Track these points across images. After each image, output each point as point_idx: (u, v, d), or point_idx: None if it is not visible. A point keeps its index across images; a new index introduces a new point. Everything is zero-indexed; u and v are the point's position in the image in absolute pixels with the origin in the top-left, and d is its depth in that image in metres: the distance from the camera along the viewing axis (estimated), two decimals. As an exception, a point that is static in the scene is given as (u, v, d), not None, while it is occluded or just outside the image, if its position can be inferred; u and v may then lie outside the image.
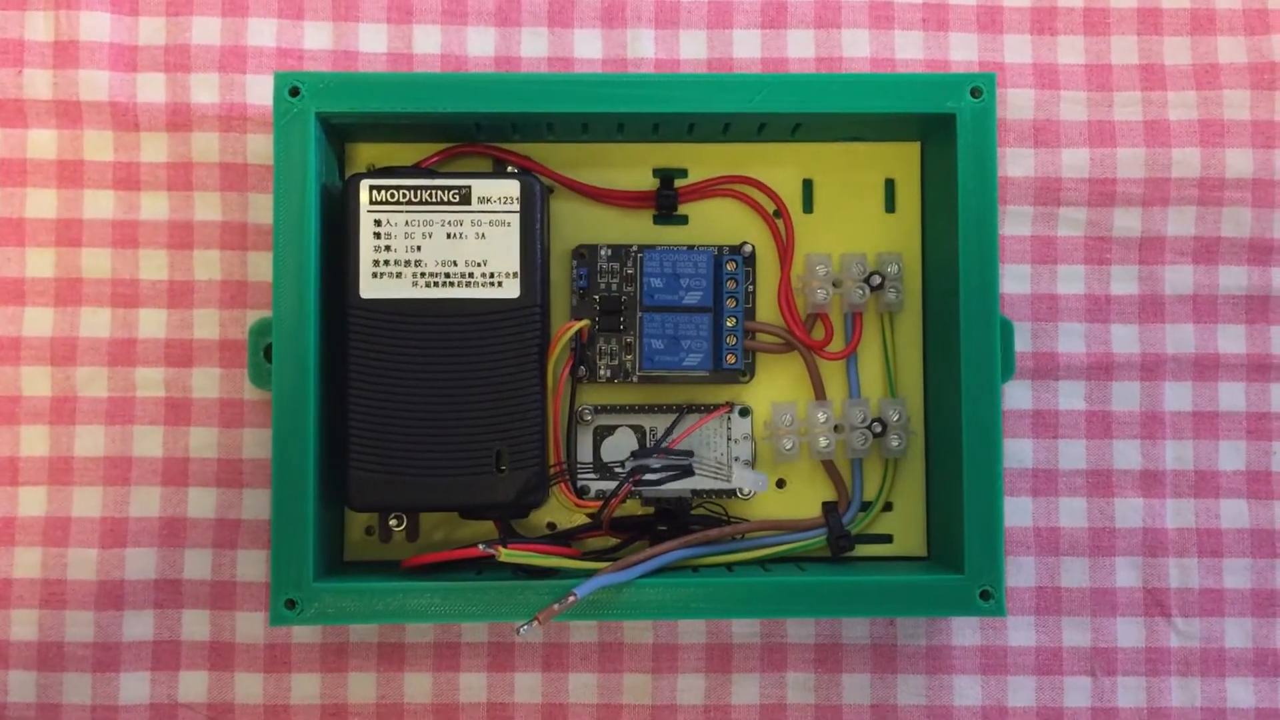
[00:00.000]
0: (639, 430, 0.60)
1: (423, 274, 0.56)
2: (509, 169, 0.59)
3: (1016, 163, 0.63)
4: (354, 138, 0.61)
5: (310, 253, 0.54)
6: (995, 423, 0.55)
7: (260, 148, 0.62)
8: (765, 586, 0.55)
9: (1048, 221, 0.63)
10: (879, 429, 0.59)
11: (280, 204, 0.54)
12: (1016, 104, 0.64)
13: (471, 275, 0.56)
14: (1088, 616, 0.62)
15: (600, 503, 0.57)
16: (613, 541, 0.59)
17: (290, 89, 0.55)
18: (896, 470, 0.61)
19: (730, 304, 0.59)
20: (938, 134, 0.58)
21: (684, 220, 0.61)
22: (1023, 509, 0.63)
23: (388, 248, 0.56)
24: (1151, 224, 0.63)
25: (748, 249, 0.60)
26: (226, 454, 0.61)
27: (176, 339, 0.62)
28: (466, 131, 0.59)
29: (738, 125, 0.58)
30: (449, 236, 0.56)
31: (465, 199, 0.56)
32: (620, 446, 0.59)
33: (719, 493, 0.59)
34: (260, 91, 0.62)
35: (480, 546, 0.53)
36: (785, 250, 0.60)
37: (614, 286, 0.59)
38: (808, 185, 0.62)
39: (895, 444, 0.59)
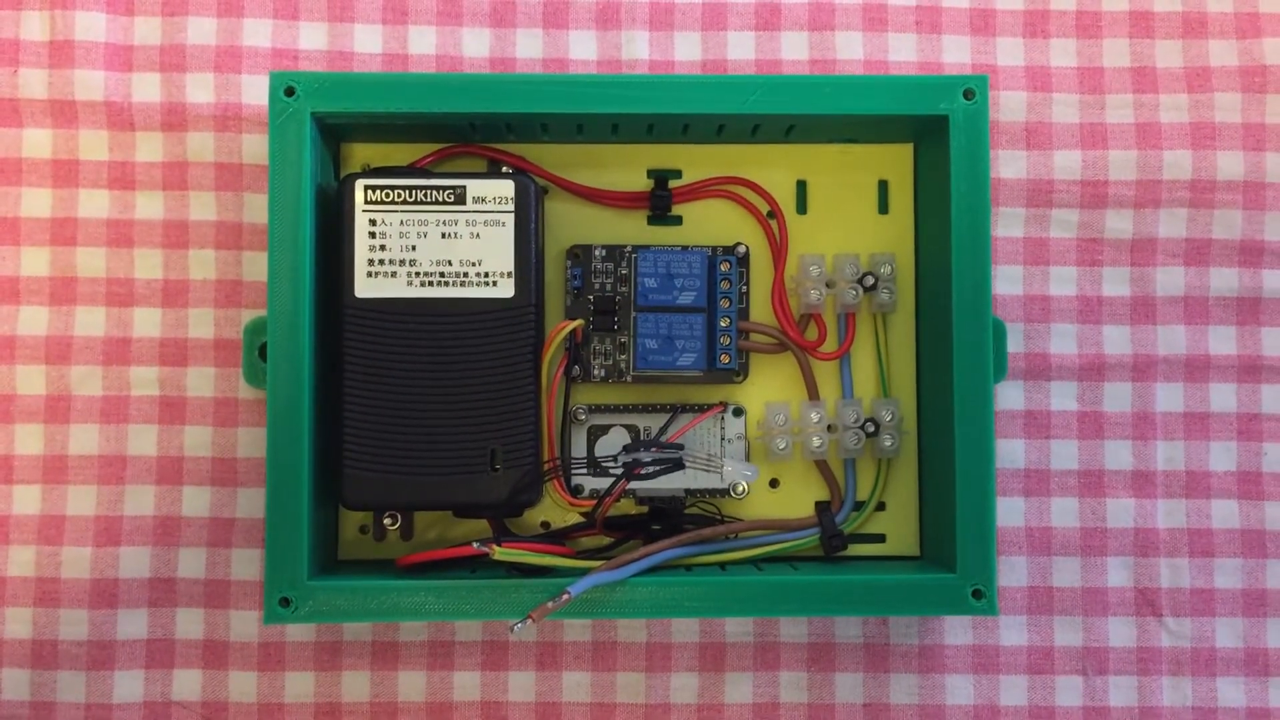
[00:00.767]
0: (633, 430, 0.60)
1: (417, 273, 0.56)
2: (504, 169, 0.59)
3: (1009, 164, 0.64)
4: (349, 138, 0.61)
5: (305, 252, 0.54)
6: (987, 423, 0.55)
7: (255, 148, 0.62)
8: (758, 585, 0.55)
9: (1040, 223, 0.64)
10: (872, 429, 0.59)
11: (275, 203, 0.54)
12: (1009, 106, 0.64)
13: (466, 275, 0.56)
14: (1079, 616, 0.63)
15: (594, 502, 0.57)
16: (606, 541, 0.59)
17: (285, 89, 0.55)
18: (889, 470, 0.61)
19: (724, 304, 0.59)
20: (931, 136, 0.58)
21: (678, 221, 0.62)
22: (1015, 509, 0.63)
23: (383, 247, 0.56)
24: (1143, 226, 0.64)
25: (741, 249, 0.60)
26: (221, 453, 0.62)
27: (171, 338, 0.62)
28: (461, 132, 0.59)
29: (732, 126, 0.59)
30: (444, 236, 0.56)
31: (460, 199, 0.56)
32: (614, 446, 0.59)
33: (712, 492, 0.59)
34: (255, 91, 0.62)
35: (474, 545, 0.53)
36: (779, 251, 0.61)
37: (608, 287, 0.59)
38: (801, 186, 0.62)
39: (888, 444, 0.59)
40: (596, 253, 0.60)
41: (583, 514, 0.59)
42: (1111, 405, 0.63)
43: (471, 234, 0.56)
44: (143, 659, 0.61)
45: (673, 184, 0.61)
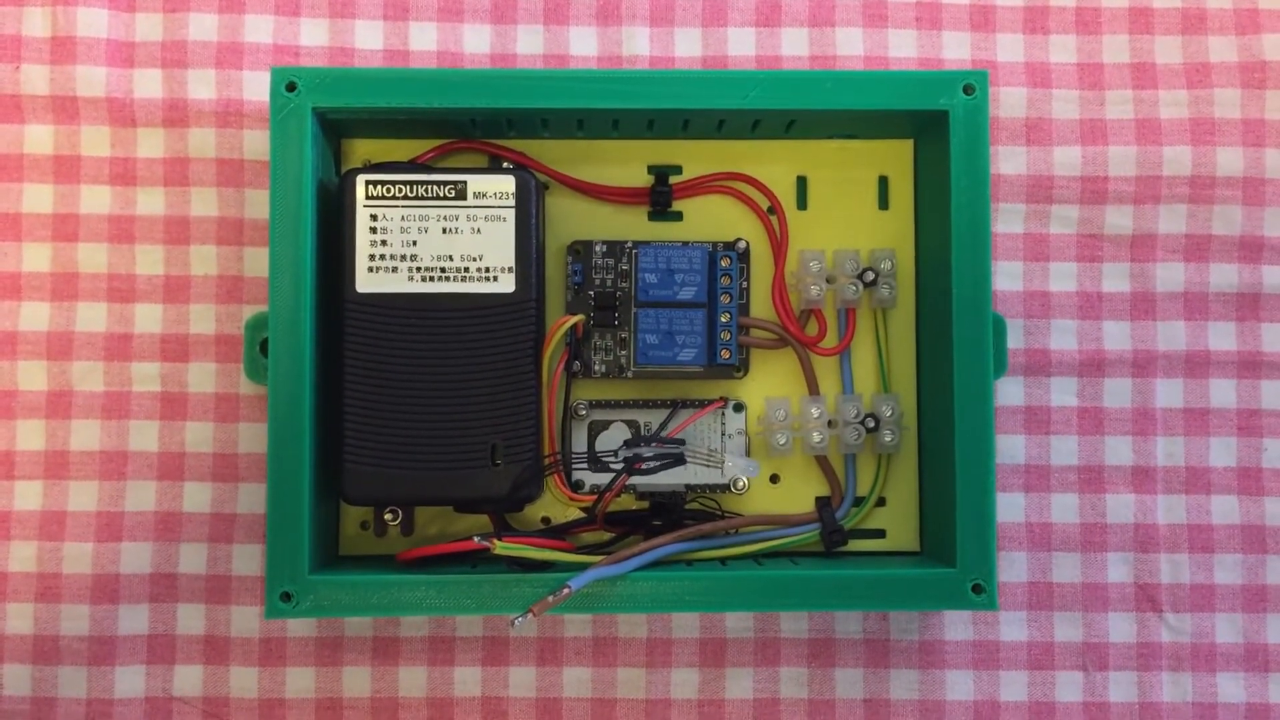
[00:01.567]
0: (633, 425, 0.60)
1: (418, 269, 0.56)
2: (504, 165, 0.59)
3: (1009, 160, 0.64)
4: (350, 133, 0.61)
5: (306, 247, 0.54)
6: (988, 418, 0.55)
7: (257, 143, 0.62)
8: (759, 580, 0.55)
9: (1040, 219, 0.64)
10: (872, 424, 0.59)
11: (276, 199, 0.54)
12: (1009, 102, 0.64)
13: (467, 270, 0.56)
14: (1080, 611, 0.63)
15: (595, 497, 0.57)
16: (607, 536, 0.59)
17: (287, 84, 0.55)
18: (889, 465, 0.61)
19: (725, 300, 0.59)
20: (931, 131, 0.59)
21: (679, 216, 0.62)
22: (1015, 504, 0.63)
23: (384, 242, 0.56)
24: (1143, 222, 0.64)
25: (742, 245, 0.60)
26: (222, 448, 0.62)
27: (172, 334, 0.62)
28: (462, 127, 0.60)
29: (732, 122, 0.59)
30: (445, 231, 0.56)
31: (461, 194, 0.56)
32: (615, 441, 0.59)
33: (713, 487, 0.59)
34: (257, 87, 0.63)
35: (475, 540, 0.53)
36: (779, 246, 0.61)
37: (609, 282, 0.60)
38: (802, 182, 0.62)
39: (888, 439, 0.59)
40: (597, 248, 0.60)
41: (583, 509, 0.59)
42: (1111, 401, 0.63)
43: (472, 229, 0.56)
44: (144, 654, 0.61)
45: (673, 180, 0.61)
